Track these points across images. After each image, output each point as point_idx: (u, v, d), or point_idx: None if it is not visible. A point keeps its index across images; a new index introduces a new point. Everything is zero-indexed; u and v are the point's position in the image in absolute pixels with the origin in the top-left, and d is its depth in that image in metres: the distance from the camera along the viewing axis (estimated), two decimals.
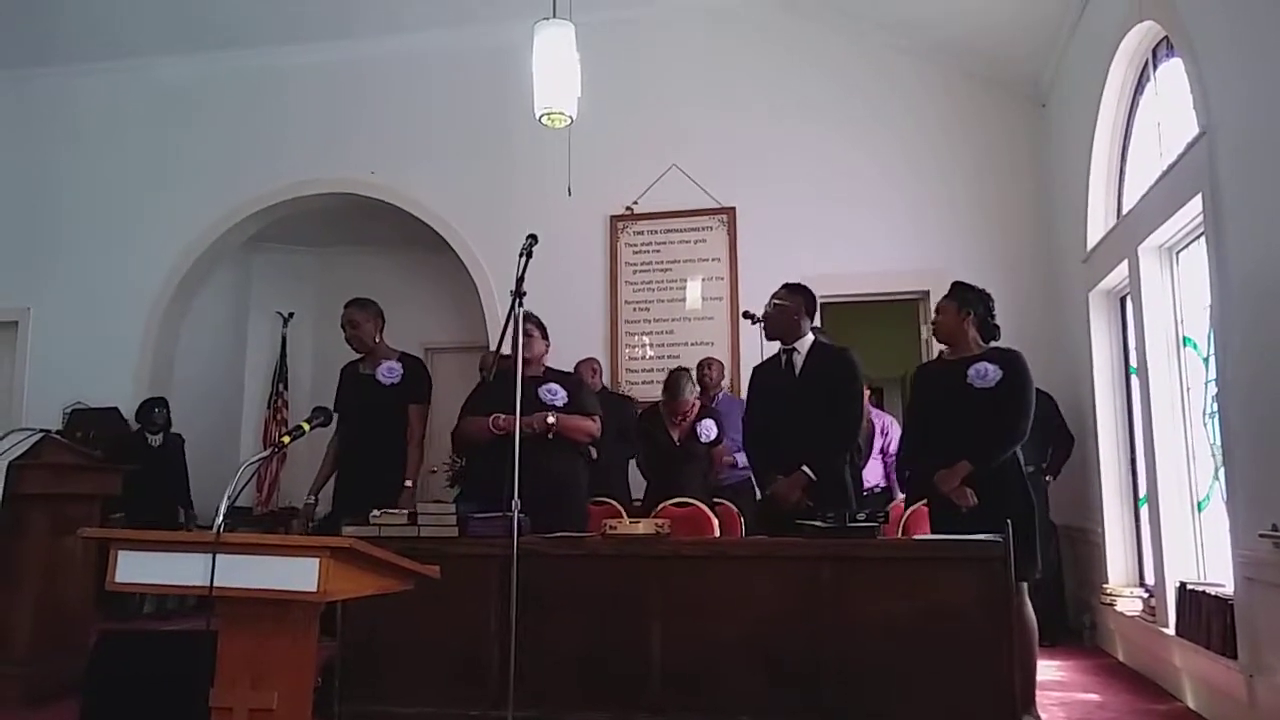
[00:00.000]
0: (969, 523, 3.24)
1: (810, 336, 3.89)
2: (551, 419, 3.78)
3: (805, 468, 3.66)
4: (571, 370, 4.89)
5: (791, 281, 4.00)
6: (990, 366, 3.51)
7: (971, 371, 3.52)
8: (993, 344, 3.64)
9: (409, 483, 4.07)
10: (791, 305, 3.87)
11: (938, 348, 3.88)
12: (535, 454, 3.29)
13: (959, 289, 3.71)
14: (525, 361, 3.97)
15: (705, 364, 5.74)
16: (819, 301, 4.06)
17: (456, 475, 5.57)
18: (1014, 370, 3.51)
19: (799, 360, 3.85)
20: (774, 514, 3.74)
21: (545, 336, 4.03)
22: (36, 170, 7.58)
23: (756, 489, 5.06)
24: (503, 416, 3.64)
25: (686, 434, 5.11)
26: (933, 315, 3.79)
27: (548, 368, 4.03)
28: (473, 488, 4.96)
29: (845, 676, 2.95)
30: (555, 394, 3.88)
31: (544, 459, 3.64)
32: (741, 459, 5.30)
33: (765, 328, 3.98)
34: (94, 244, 7.38)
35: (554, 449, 3.79)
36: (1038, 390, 5.33)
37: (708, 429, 5.11)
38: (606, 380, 6.48)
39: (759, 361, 4.15)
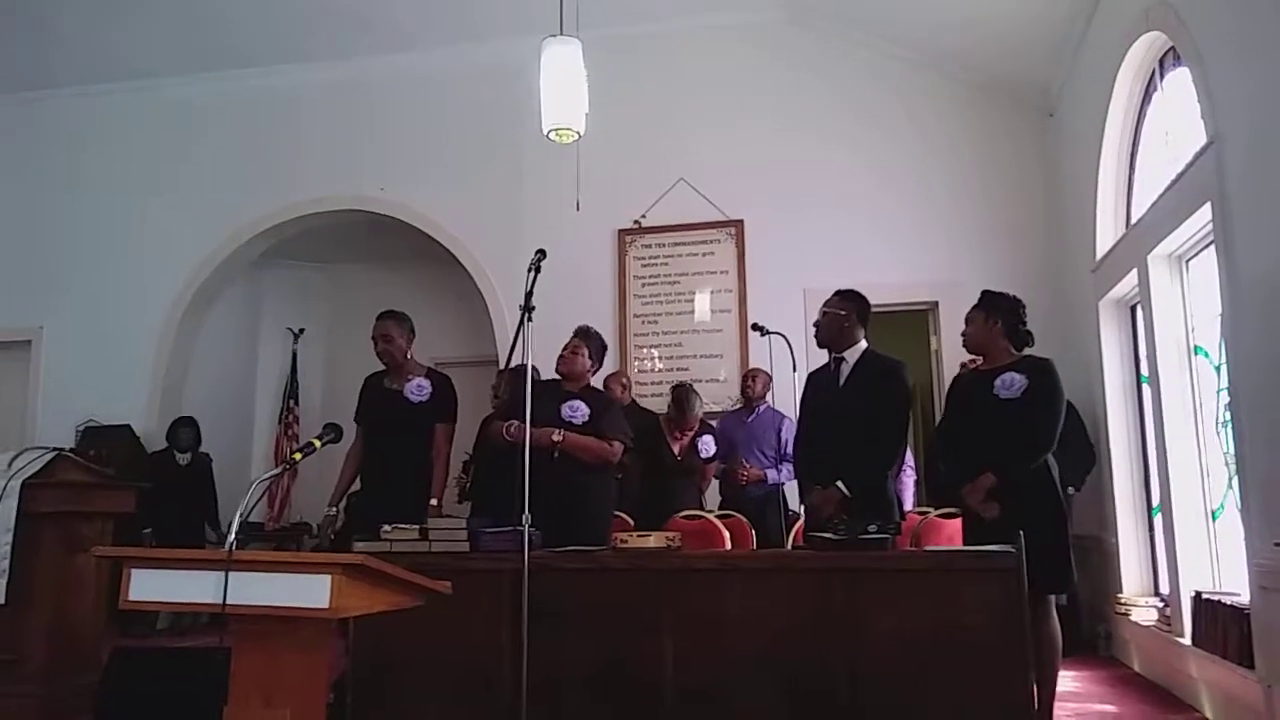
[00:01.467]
0: (997, 535, 3.16)
1: (862, 345, 3.76)
2: (557, 436, 3.77)
3: (840, 482, 3.58)
4: (601, 386, 4.86)
5: (846, 288, 3.87)
6: (1017, 377, 3.48)
7: (998, 382, 3.50)
8: (1026, 352, 3.60)
9: (434, 501, 4.05)
10: (843, 313, 3.75)
11: (949, 359, 3.86)
12: (547, 469, 3.28)
13: (987, 297, 3.68)
14: (564, 376, 3.99)
15: (751, 375, 5.66)
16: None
17: (463, 492, 5.58)
18: (1041, 380, 3.46)
19: (845, 370, 3.74)
20: (811, 527, 3.66)
21: (593, 356, 4.02)
22: (48, 190, 7.65)
23: (781, 501, 5.07)
24: (514, 424, 3.64)
25: (687, 448, 5.12)
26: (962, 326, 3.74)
27: (589, 386, 4.03)
28: (484, 501, 4.96)
29: (859, 689, 2.93)
30: (576, 411, 3.88)
31: (558, 474, 3.64)
32: (771, 474, 5.29)
33: (816, 334, 3.86)
34: (105, 263, 7.44)
35: (569, 464, 3.78)
36: None
37: (706, 445, 5.13)
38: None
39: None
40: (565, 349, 4.04)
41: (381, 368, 4.31)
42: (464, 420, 4.41)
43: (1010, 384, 3.47)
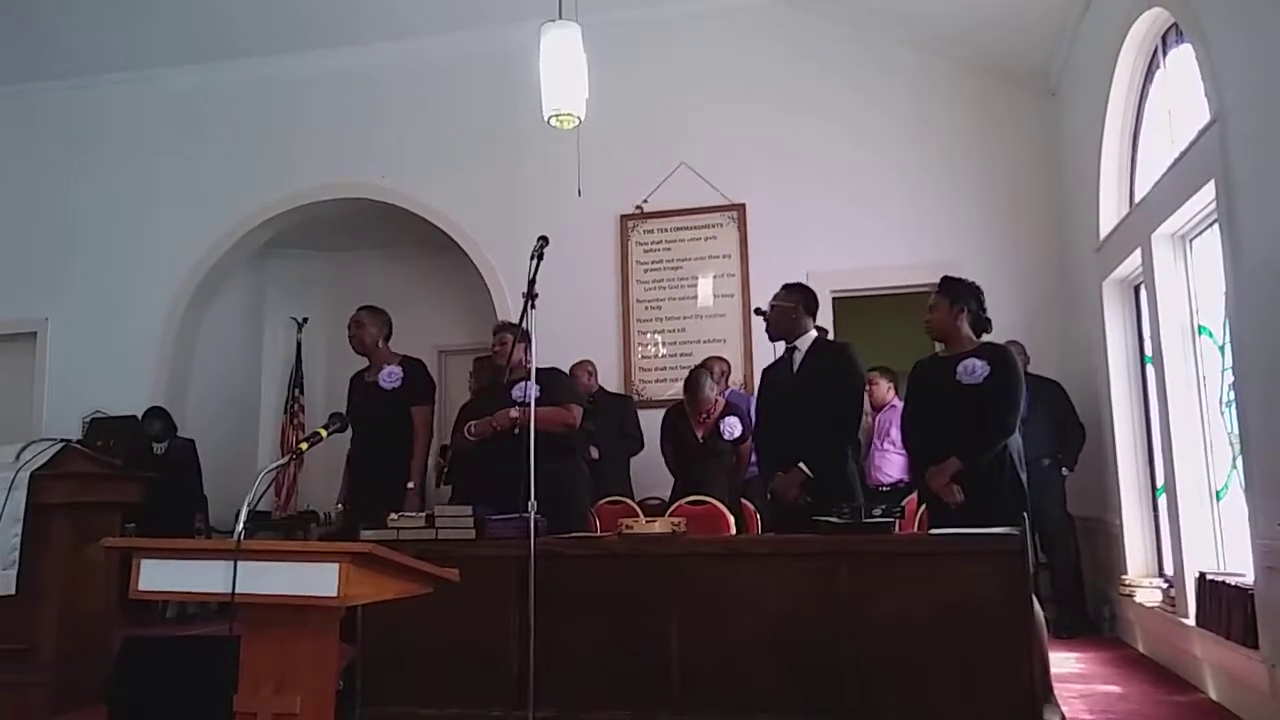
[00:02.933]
0: (961, 519, 3.27)
1: (812, 334, 3.94)
2: (515, 413, 3.83)
3: (802, 464, 3.71)
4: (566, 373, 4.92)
5: (791, 282, 4.05)
6: (979, 363, 3.54)
7: (960, 368, 3.56)
8: (984, 339, 3.65)
9: (410, 484, 4.11)
10: (790, 305, 3.92)
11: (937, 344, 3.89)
12: (516, 455, 3.30)
13: (950, 284, 3.73)
14: (504, 368, 4.06)
15: (707, 363, 5.74)
16: (832, 295, 4.09)
17: (441, 476, 5.65)
18: (1002, 366, 3.54)
19: (798, 358, 3.90)
20: (778, 511, 3.81)
21: (520, 342, 4.05)
22: (51, 183, 7.65)
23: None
24: (472, 424, 3.91)
25: (710, 431, 5.13)
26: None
27: (537, 369, 4.05)
28: (465, 490, 5.00)
29: (865, 673, 2.95)
30: (525, 390, 3.90)
31: (535, 461, 3.65)
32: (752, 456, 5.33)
33: (767, 329, 4.04)
34: (109, 254, 7.45)
35: (542, 449, 3.79)
36: (1046, 379, 5.34)
37: (731, 426, 5.12)
38: (619, 380, 6.50)
39: (771, 357, 4.17)
40: (492, 348, 4.22)
41: (365, 364, 4.44)
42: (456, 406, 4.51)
43: (972, 370, 3.53)
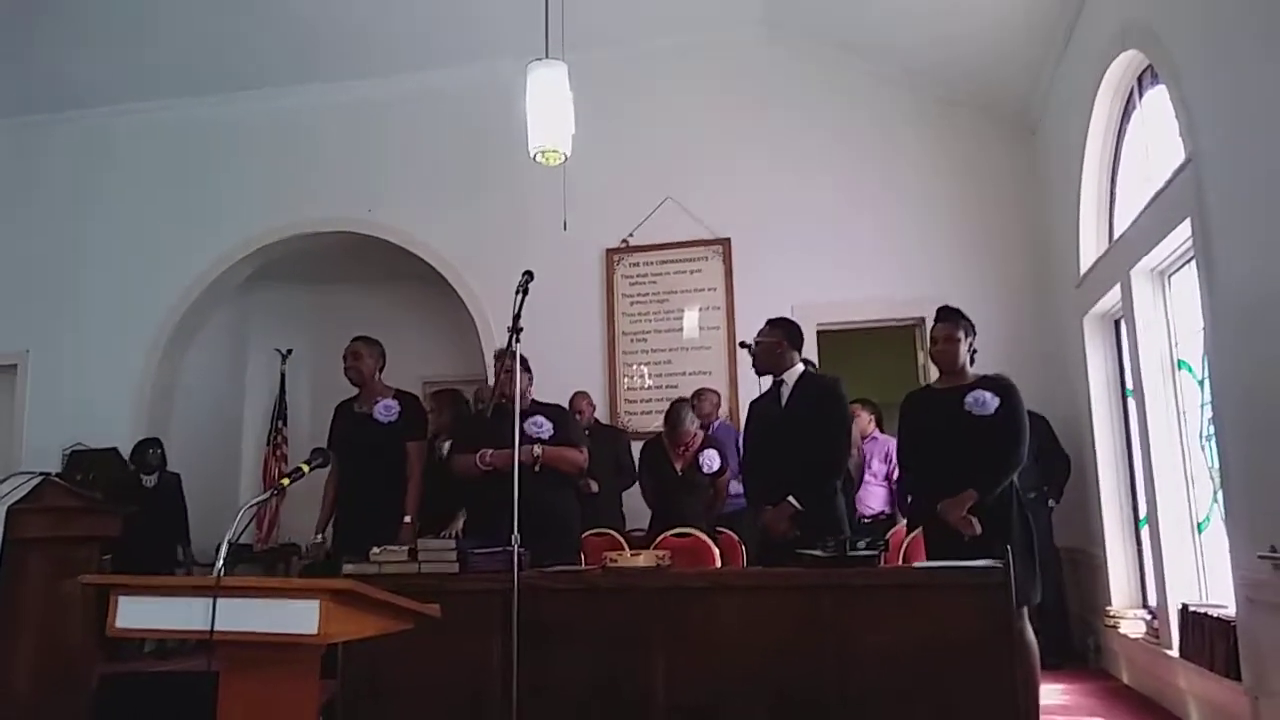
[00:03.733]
0: (971, 551, 3.22)
1: (799, 368, 3.94)
2: (537, 451, 3.81)
3: (791, 498, 3.70)
4: (566, 404, 4.92)
5: (775, 317, 4.05)
6: (987, 395, 3.52)
7: (969, 400, 3.53)
8: (980, 371, 3.67)
9: (408, 519, 4.08)
10: (774, 340, 3.93)
11: (936, 374, 3.88)
12: (524, 487, 3.29)
13: (955, 315, 3.70)
14: (509, 398, 4.02)
15: (698, 394, 5.77)
16: (816, 328, 4.10)
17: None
18: (1010, 398, 3.54)
19: (786, 391, 3.90)
20: (767, 544, 3.78)
21: (526, 370, 4.03)
22: (34, 214, 7.63)
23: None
24: (489, 452, 3.78)
25: (689, 464, 5.12)
26: (931, 342, 3.76)
27: (534, 401, 4.05)
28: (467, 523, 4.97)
29: (850, 706, 2.93)
30: (541, 427, 3.91)
31: (533, 492, 3.65)
32: (735, 487, 5.32)
33: (754, 364, 4.05)
34: (92, 286, 7.43)
35: (543, 482, 3.80)
36: (1031, 412, 5.37)
37: (710, 459, 5.12)
38: (605, 411, 6.50)
39: (757, 390, 4.18)
40: (498, 373, 4.08)
41: (352, 394, 4.40)
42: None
43: (982, 401, 3.52)
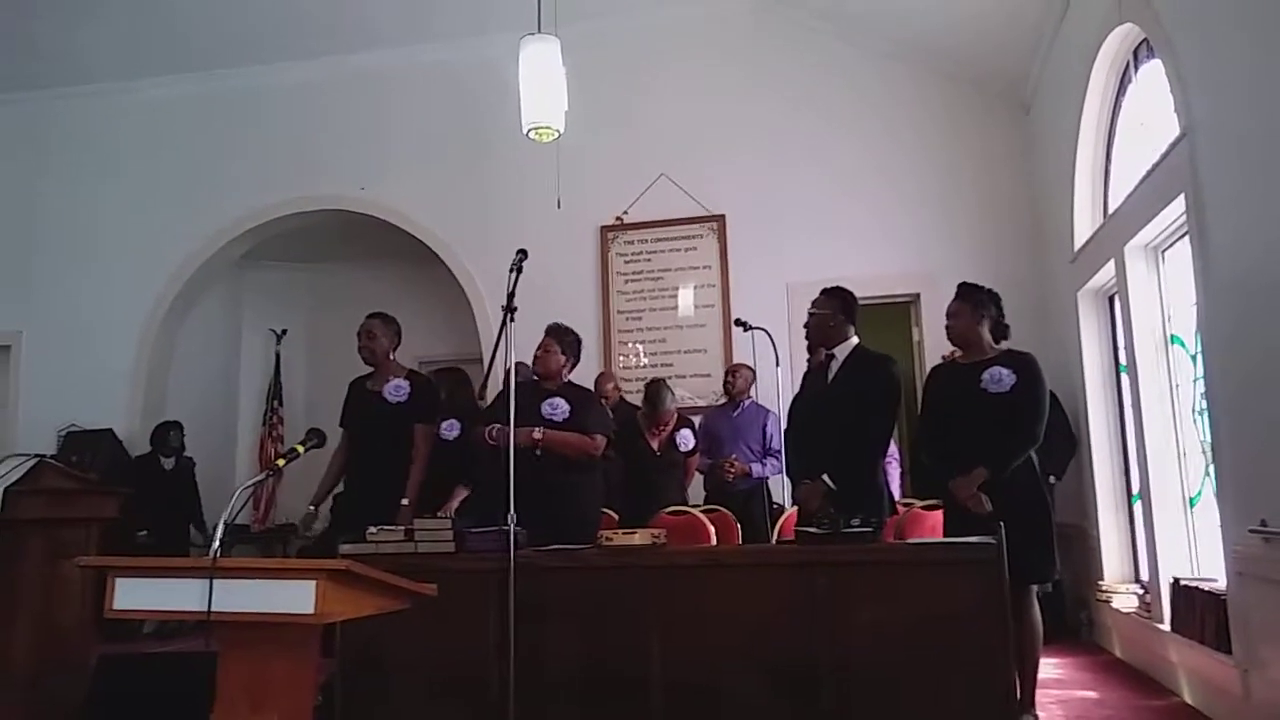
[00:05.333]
0: (985, 529, 3.15)
1: (853, 342, 3.78)
2: (538, 434, 3.78)
3: (826, 476, 3.61)
4: (592, 385, 4.85)
5: (831, 286, 3.88)
6: (1004, 371, 3.50)
7: (986, 376, 3.52)
8: (1005, 345, 3.64)
9: (405, 501, 4.07)
10: (828, 312, 3.77)
11: (930, 350, 3.88)
12: (532, 468, 3.29)
13: (970, 290, 3.69)
14: (541, 376, 4.00)
15: (733, 371, 5.69)
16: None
17: None
18: (1028, 374, 3.51)
19: (835, 366, 3.76)
20: (800, 520, 3.68)
21: (566, 351, 4.01)
22: (25, 194, 7.59)
23: (774, 495, 5.10)
24: (496, 428, 3.73)
25: (665, 444, 5.15)
26: (945, 318, 3.73)
27: (568, 383, 4.02)
28: (474, 502, 4.97)
29: (844, 682, 2.96)
30: (556, 408, 3.88)
31: (543, 474, 3.65)
32: (756, 469, 5.32)
33: (806, 335, 3.88)
34: (85, 266, 7.40)
35: (554, 463, 3.79)
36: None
37: (685, 438, 5.16)
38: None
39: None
40: (539, 348, 4.05)
41: (366, 371, 4.34)
42: None
43: (998, 378, 3.50)
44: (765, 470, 5.33)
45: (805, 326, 3.87)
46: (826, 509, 3.51)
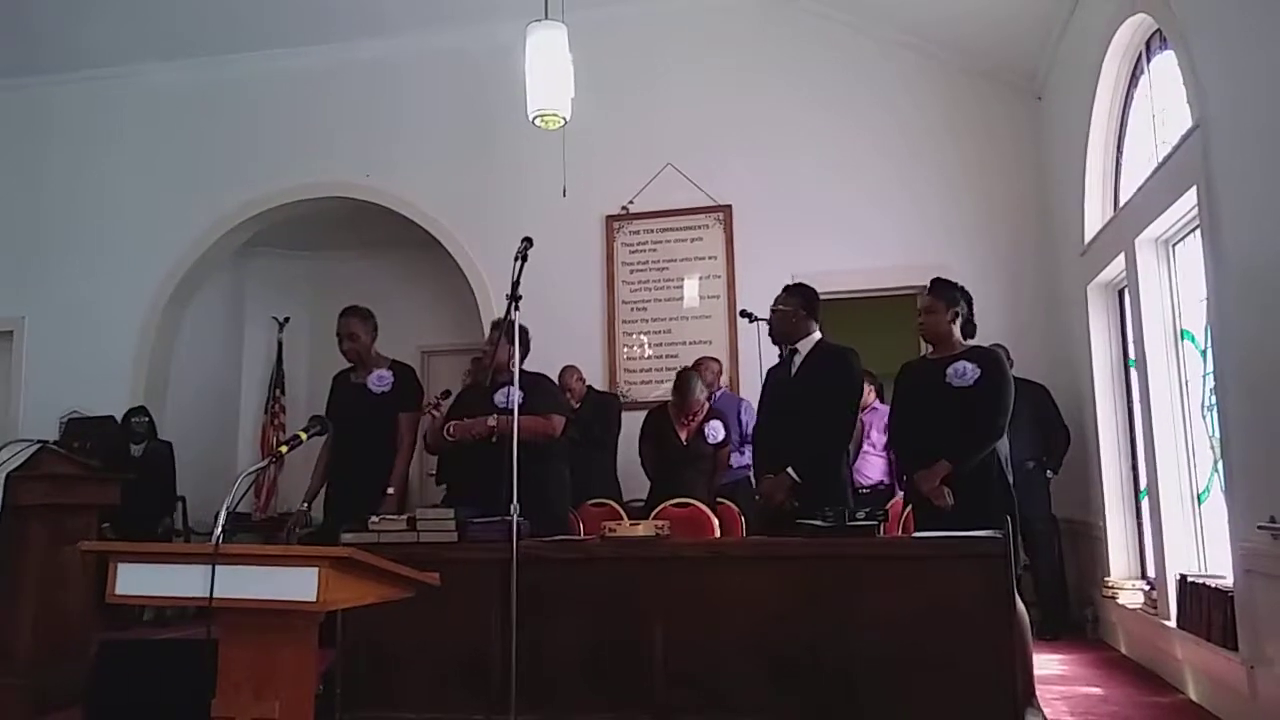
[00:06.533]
0: (950, 522, 3.25)
1: (815, 336, 3.87)
2: (492, 422, 3.78)
3: (790, 469, 3.67)
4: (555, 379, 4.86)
5: (791, 283, 3.98)
6: (969, 365, 3.54)
7: (950, 370, 3.56)
8: (971, 342, 3.67)
9: (390, 490, 4.07)
10: (790, 309, 3.86)
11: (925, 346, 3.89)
12: (496, 458, 3.27)
13: (943, 287, 3.72)
14: (495, 368, 4.01)
15: (699, 364, 5.74)
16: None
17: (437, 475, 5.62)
18: (993, 369, 3.55)
19: (798, 360, 3.85)
20: (766, 513, 3.77)
21: (514, 342, 3.99)
22: (29, 180, 7.57)
23: (753, 486, 5.09)
24: (452, 424, 3.86)
25: (694, 434, 5.11)
26: (918, 316, 3.79)
27: (523, 371, 4.01)
28: (455, 490, 4.97)
29: (847, 675, 2.95)
30: (509, 397, 3.87)
31: (503, 463, 3.62)
32: (736, 459, 5.31)
33: (770, 333, 3.96)
34: (88, 252, 7.38)
35: (522, 454, 3.76)
36: (1031, 382, 5.35)
37: (715, 430, 5.11)
38: (604, 380, 6.48)
39: (756, 359, 4.16)
40: (486, 343, 4.09)
41: (347, 363, 4.37)
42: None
43: (962, 372, 3.53)
44: (745, 458, 5.31)
45: (769, 324, 3.97)
46: (791, 502, 3.60)
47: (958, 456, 3.46)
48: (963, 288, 3.75)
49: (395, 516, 3.44)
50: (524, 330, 4.05)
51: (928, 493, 3.47)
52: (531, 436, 3.80)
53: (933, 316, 3.68)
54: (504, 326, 3.99)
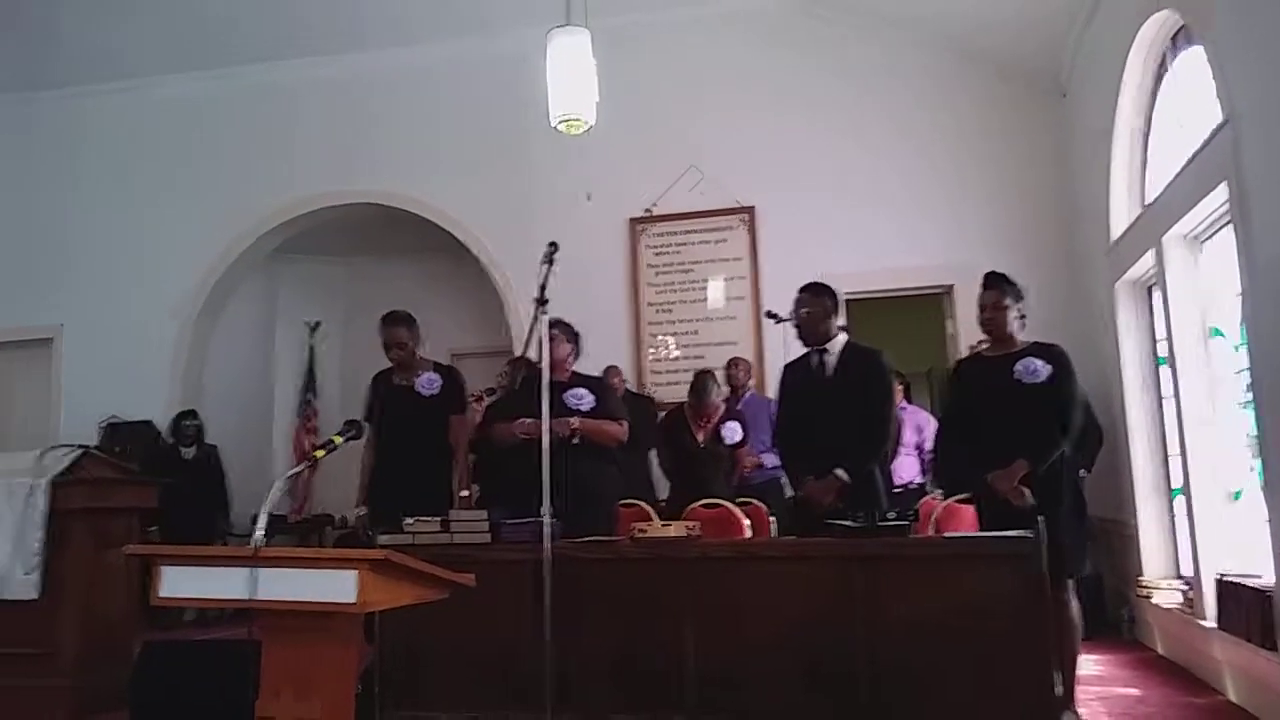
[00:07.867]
0: (1024, 522, 3.11)
1: (842, 337, 3.84)
2: (575, 423, 3.79)
3: (839, 471, 3.60)
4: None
5: (813, 282, 3.90)
6: (1038, 362, 3.47)
7: (1019, 367, 3.48)
8: (1033, 339, 3.60)
9: (465, 492, 4.11)
10: (820, 310, 3.80)
11: (964, 342, 3.85)
12: (560, 459, 3.30)
13: (1002, 280, 3.63)
14: (550, 367, 4.01)
15: (733, 363, 5.75)
16: (844, 298, 4.00)
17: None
18: (1062, 366, 3.48)
19: (831, 361, 3.78)
20: (807, 516, 3.68)
21: (571, 341, 4.02)
22: (63, 190, 7.71)
23: (787, 489, 5.08)
24: (527, 421, 3.64)
25: (711, 436, 5.12)
26: (979, 309, 3.67)
27: (575, 373, 4.04)
28: (495, 492, 4.99)
29: (879, 676, 2.95)
30: (581, 399, 3.90)
31: (569, 464, 3.66)
32: (769, 460, 5.31)
33: (800, 336, 3.89)
34: (123, 260, 7.51)
35: (580, 454, 3.80)
36: None
37: (732, 431, 5.11)
38: (631, 382, 6.50)
39: (782, 360, 4.13)
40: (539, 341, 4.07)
41: (386, 364, 4.39)
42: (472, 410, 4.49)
43: (1033, 369, 3.46)
44: (777, 459, 5.31)
45: (798, 326, 3.90)
46: (838, 504, 3.53)
47: (1036, 455, 3.37)
48: (1015, 280, 3.66)
49: (433, 518, 3.47)
50: (571, 327, 4.08)
51: (1006, 493, 3.37)
52: (606, 439, 3.89)
53: (1000, 312, 3.58)
54: (548, 326, 4.02)
